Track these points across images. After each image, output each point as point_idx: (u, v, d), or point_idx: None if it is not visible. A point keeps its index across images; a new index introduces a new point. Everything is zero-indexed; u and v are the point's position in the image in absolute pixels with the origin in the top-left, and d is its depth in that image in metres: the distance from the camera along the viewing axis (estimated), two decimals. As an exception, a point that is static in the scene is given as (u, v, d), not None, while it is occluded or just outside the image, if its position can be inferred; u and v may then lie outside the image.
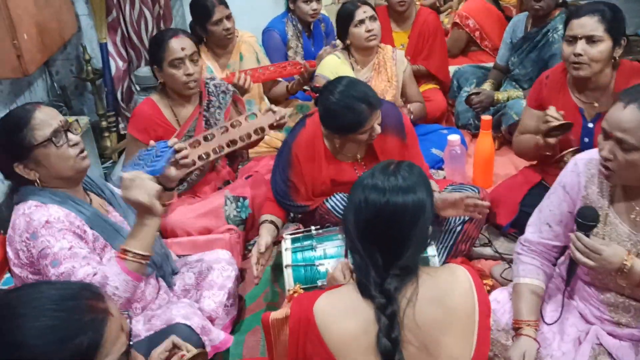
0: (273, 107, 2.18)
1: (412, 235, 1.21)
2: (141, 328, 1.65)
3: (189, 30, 3.17)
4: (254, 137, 2.13)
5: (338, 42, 3.08)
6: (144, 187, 1.50)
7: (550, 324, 1.62)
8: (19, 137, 1.54)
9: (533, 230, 1.73)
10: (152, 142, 1.75)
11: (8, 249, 1.59)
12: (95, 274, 1.51)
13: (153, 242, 1.56)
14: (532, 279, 1.66)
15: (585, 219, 1.50)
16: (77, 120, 1.76)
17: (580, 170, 1.61)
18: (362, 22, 2.76)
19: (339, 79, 2.07)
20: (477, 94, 3.04)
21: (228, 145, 2.07)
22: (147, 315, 1.71)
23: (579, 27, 2.02)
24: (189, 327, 1.65)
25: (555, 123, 2.09)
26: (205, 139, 2.03)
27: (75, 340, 0.91)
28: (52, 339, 0.90)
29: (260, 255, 2.03)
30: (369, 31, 2.75)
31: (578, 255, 1.49)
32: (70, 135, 1.61)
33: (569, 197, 1.63)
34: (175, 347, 1.29)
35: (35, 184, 1.60)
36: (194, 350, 1.26)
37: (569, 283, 1.63)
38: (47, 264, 1.52)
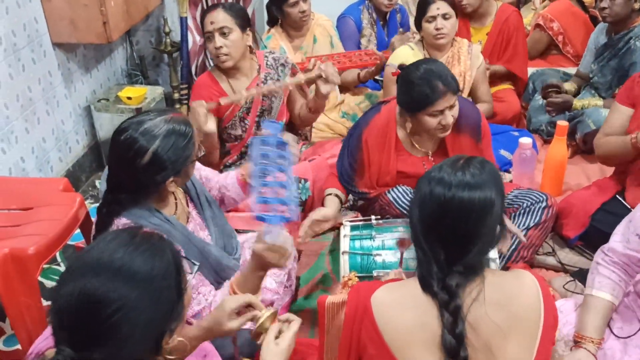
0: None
1: (478, 233, 1.19)
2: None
3: (265, 11, 3.20)
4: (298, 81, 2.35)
5: (414, 35, 3.04)
6: (285, 253, 1.47)
7: (622, 338, 1.56)
8: (186, 153, 1.55)
9: (620, 239, 1.62)
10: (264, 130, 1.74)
11: None
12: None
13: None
14: (606, 293, 1.59)
15: None
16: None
17: None
18: (433, 18, 2.69)
19: (426, 59, 2.13)
20: (558, 90, 2.91)
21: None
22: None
23: None
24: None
25: None
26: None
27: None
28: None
29: (314, 221, 2.04)
30: (437, 29, 2.69)
31: None
32: None
33: None
34: (249, 305, 1.31)
35: (157, 196, 1.59)
36: (267, 312, 1.28)
37: None
38: None
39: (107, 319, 0.91)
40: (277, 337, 1.23)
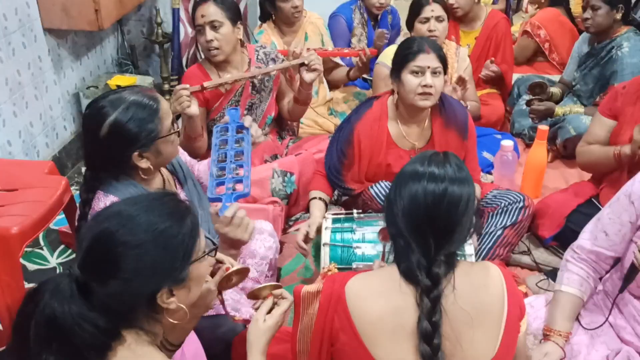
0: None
1: (461, 223, 1.23)
2: None
3: (257, 6, 3.23)
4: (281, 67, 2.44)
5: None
6: (245, 226, 1.51)
7: (590, 329, 1.60)
8: (149, 127, 1.51)
9: (588, 237, 1.67)
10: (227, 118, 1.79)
11: None
12: None
13: None
14: (574, 289, 1.63)
15: None
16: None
17: None
18: (426, 20, 2.74)
19: None
20: (540, 100, 2.99)
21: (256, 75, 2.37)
22: None
23: None
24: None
25: None
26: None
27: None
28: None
29: (308, 237, 2.09)
30: (430, 31, 2.72)
31: None
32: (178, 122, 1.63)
33: (632, 208, 1.57)
34: (218, 261, 1.35)
35: (140, 173, 1.56)
36: (238, 265, 1.33)
37: (623, 290, 1.59)
38: None
39: (112, 250, 1.06)
40: (269, 312, 1.31)
